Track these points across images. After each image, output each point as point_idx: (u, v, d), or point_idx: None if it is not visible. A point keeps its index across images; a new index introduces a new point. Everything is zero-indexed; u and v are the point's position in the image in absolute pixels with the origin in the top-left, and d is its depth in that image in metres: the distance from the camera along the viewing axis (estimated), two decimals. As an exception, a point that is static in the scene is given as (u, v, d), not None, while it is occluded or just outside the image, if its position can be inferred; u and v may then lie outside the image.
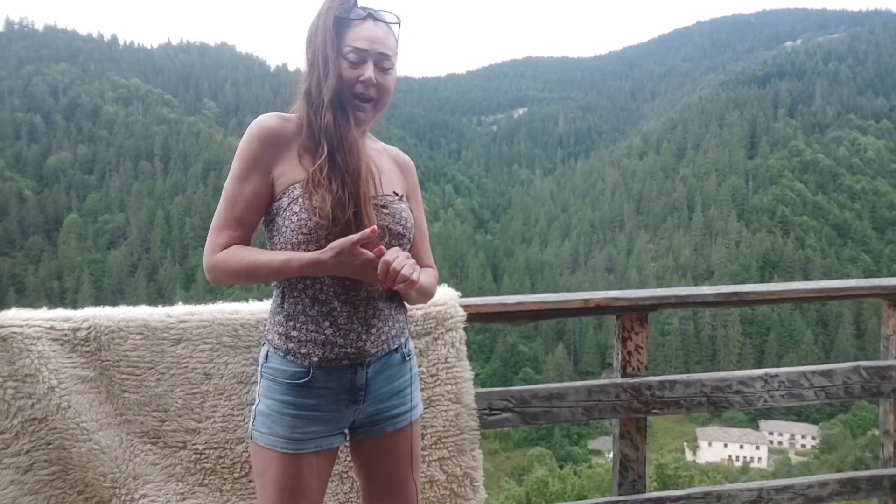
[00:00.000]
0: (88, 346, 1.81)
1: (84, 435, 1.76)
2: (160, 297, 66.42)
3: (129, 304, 1.95)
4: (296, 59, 1.60)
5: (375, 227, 1.38)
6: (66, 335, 1.80)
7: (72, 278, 77.08)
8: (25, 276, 77.34)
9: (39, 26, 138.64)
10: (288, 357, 1.50)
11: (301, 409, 1.49)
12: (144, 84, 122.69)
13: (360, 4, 1.51)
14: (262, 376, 1.55)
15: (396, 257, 1.39)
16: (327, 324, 1.48)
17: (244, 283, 1.50)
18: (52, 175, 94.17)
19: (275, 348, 1.52)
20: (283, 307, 1.52)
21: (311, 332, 1.48)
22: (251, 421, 1.55)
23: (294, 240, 1.46)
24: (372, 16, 1.50)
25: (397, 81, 1.57)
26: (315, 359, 1.48)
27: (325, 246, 1.41)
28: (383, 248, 1.40)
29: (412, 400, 1.64)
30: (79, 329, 1.81)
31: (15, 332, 1.74)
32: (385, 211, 1.52)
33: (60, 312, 1.85)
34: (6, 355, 1.74)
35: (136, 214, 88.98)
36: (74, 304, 2.04)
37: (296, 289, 1.49)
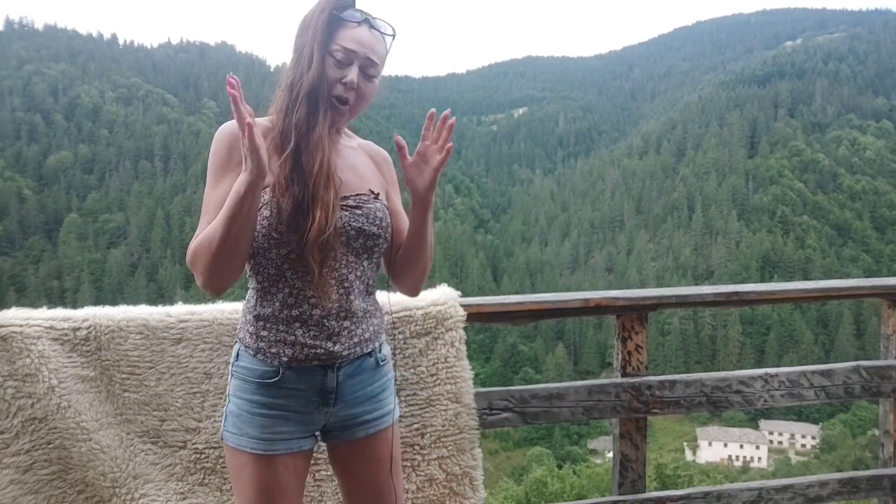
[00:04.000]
0: (88, 345, 1.81)
1: (84, 434, 1.76)
2: (160, 296, 66.43)
3: (129, 303, 1.94)
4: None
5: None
6: (66, 335, 1.80)
7: (72, 278, 77.10)
8: (25, 276, 77.35)
9: (39, 26, 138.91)
10: (258, 356, 1.47)
11: (271, 409, 1.47)
12: (144, 84, 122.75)
13: (357, 7, 1.49)
14: (232, 375, 1.52)
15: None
16: (297, 325, 1.45)
17: (217, 257, 1.36)
18: (52, 175, 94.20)
19: (245, 347, 1.49)
20: (255, 308, 1.49)
21: (282, 332, 1.45)
22: (223, 422, 1.52)
23: (265, 244, 1.43)
24: (368, 21, 1.47)
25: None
26: (285, 359, 1.45)
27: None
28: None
29: (386, 405, 1.60)
30: (79, 329, 1.81)
31: (15, 332, 1.74)
32: (358, 211, 1.48)
33: (60, 312, 1.84)
34: (6, 355, 1.75)
35: (136, 214, 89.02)
36: (74, 304, 2.03)
37: (269, 292, 1.46)
